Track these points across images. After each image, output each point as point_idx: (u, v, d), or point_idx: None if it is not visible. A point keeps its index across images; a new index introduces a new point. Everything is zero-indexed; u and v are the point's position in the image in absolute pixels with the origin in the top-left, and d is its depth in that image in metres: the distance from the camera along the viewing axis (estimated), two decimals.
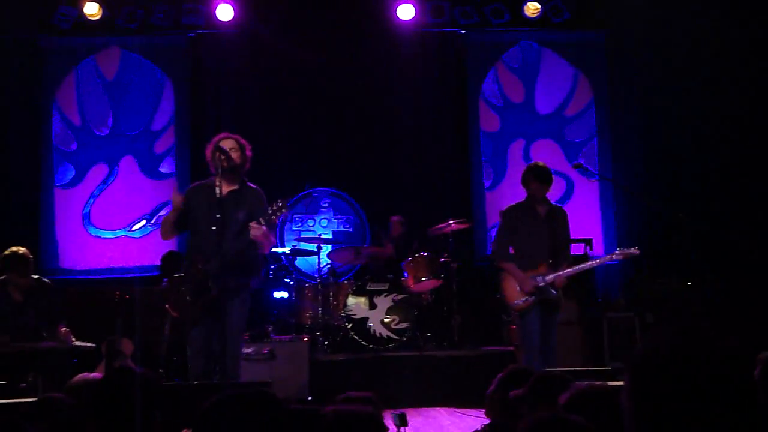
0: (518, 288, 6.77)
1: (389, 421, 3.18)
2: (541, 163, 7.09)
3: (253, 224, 5.65)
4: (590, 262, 7.17)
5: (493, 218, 10.74)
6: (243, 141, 6.10)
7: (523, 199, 7.04)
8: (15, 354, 6.47)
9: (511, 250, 7.01)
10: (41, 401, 3.21)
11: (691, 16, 9.90)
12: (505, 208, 7.27)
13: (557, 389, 3.41)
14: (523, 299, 6.73)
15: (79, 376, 3.72)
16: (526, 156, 11.09)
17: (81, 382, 3.59)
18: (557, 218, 7.03)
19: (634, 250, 6.78)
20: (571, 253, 7.28)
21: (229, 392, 2.17)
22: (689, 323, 1.49)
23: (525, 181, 6.97)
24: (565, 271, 6.77)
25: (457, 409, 7.66)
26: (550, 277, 6.72)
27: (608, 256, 7.15)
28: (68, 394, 3.47)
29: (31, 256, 6.92)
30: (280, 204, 5.66)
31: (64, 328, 6.84)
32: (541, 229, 6.88)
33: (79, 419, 3.03)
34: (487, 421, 3.75)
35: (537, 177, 6.88)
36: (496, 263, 7.07)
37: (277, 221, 5.81)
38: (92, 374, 3.91)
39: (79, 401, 3.27)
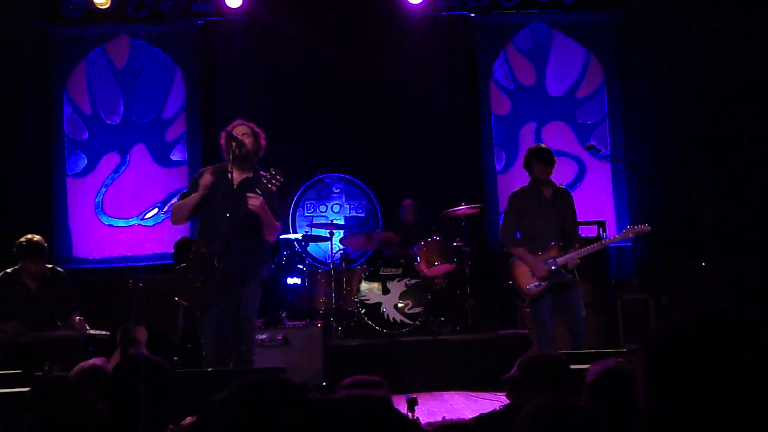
0: (530, 273, 6.73)
1: (401, 406, 3.18)
2: (542, 145, 7.07)
3: (249, 194, 5.61)
4: (602, 242, 7.12)
5: (505, 202, 10.70)
6: (257, 129, 6.08)
7: (527, 183, 7.01)
8: (30, 343, 6.51)
9: (519, 235, 6.97)
10: (45, 381, 3.20)
11: None
12: (511, 192, 7.22)
13: (548, 370, 3.42)
14: (536, 284, 6.68)
15: (85, 362, 3.73)
16: (538, 138, 11.05)
17: (87, 368, 3.61)
18: (563, 199, 6.98)
19: (645, 227, 6.74)
20: (585, 236, 7.24)
21: (246, 381, 2.16)
22: (704, 303, 1.48)
23: (527, 164, 6.95)
24: (576, 252, 6.71)
25: (471, 393, 7.67)
26: (561, 260, 6.67)
27: (619, 235, 7.09)
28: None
29: (45, 244, 6.95)
30: (274, 172, 5.61)
31: (78, 317, 6.88)
32: (548, 211, 6.84)
33: (83, 399, 3.03)
34: (506, 402, 3.74)
35: (539, 158, 6.85)
36: (506, 249, 7.02)
37: (274, 190, 5.72)
38: (95, 360, 3.92)
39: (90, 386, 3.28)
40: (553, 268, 6.66)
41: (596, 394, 2.72)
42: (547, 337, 6.64)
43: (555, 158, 6.95)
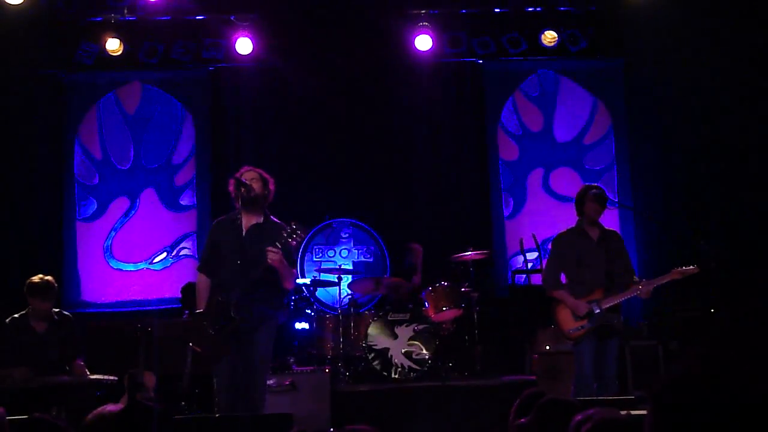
0: (573, 316, 6.62)
1: None
2: (596, 185, 6.93)
3: (269, 248, 5.65)
4: (650, 282, 6.75)
5: (513, 247, 10.73)
6: (266, 175, 6.14)
7: (574, 225, 6.92)
8: (38, 388, 6.49)
9: (564, 279, 6.88)
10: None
11: (709, 43, 9.88)
12: (555, 235, 7.13)
13: (562, 416, 3.39)
14: (578, 327, 6.58)
15: (98, 410, 3.72)
16: (546, 184, 11.09)
17: (99, 415, 3.60)
18: (612, 241, 6.84)
19: (693, 268, 6.57)
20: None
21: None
22: (712, 351, 1.48)
23: (579, 201, 6.82)
24: (620, 295, 6.58)
25: None
26: (605, 303, 6.56)
27: (667, 276, 6.70)
28: (87, 429, 3.47)
29: (56, 285, 6.98)
30: (295, 227, 5.66)
31: (80, 362, 6.87)
32: (594, 254, 6.72)
33: None
34: None
35: (596, 199, 6.72)
36: (548, 292, 6.89)
37: (294, 245, 5.78)
38: (111, 406, 3.91)
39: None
40: (597, 310, 6.56)
41: None
42: (584, 381, 6.53)
43: (606, 198, 6.81)
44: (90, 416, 3.57)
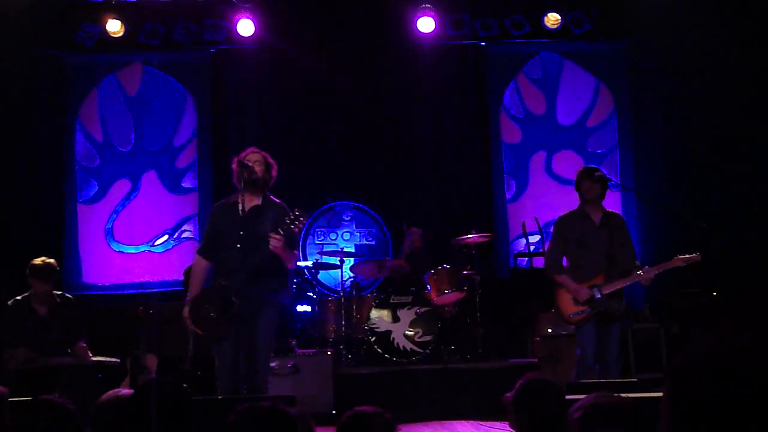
0: (573, 300, 6.59)
1: None
2: (593, 166, 6.93)
3: (272, 234, 5.65)
4: (652, 269, 6.69)
5: (516, 230, 10.72)
6: (270, 159, 6.13)
7: (575, 208, 6.87)
8: (41, 370, 6.51)
9: (565, 262, 6.85)
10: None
11: (712, 24, 9.83)
12: (557, 217, 7.09)
13: (542, 395, 3.42)
14: (579, 311, 6.55)
15: (110, 392, 3.71)
16: (548, 167, 11.07)
17: (112, 399, 3.59)
18: (613, 224, 6.77)
19: (696, 256, 6.52)
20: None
21: (242, 410, 2.19)
22: (731, 332, 1.47)
23: (577, 185, 6.79)
24: (621, 281, 6.54)
25: (481, 422, 7.62)
26: (607, 288, 6.52)
27: (669, 263, 6.65)
28: (99, 412, 3.46)
29: (57, 268, 7.00)
30: (298, 213, 5.65)
31: (82, 344, 6.88)
32: (596, 237, 6.66)
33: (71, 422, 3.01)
34: None
35: (588, 175, 6.70)
36: (549, 276, 6.86)
37: (297, 231, 5.79)
38: (123, 390, 3.90)
39: (110, 418, 3.27)
40: (597, 296, 6.52)
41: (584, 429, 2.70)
42: (586, 364, 6.50)
43: (603, 177, 6.77)
44: (104, 398, 3.56)
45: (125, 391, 3.67)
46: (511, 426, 3.58)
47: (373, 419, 3.06)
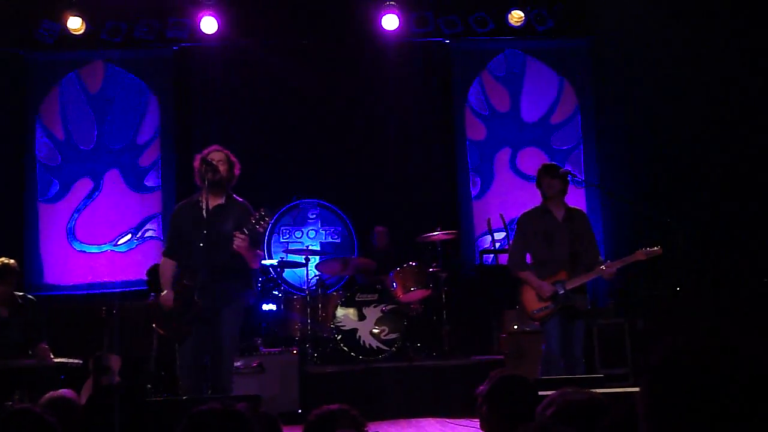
0: (537, 297, 6.58)
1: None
2: (551, 163, 6.98)
3: (237, 234, 5.61)
4: (614, 263, 6.68)
5: (481, 227, 10.74)
6: (233, 158, 6.07)
7: (538, 204, 6.86)
8: (1, 371, 6.41)
9: (529, 259, 6.87)
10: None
11: (674, 21, 9.92)
12: (520, 215, 7.07)
13: (515, 391, 3.43)
14: (542, 308, 6.56)
15: (53, 393, 3.66)
16: (513, 164, 11.11)
17: (56, 399, 3.54)
18: (576, 220, 6.78)
19: (657, 249, 6.54)
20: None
21: (194, 412, 2.17)
22: (710, 326, 1.47)
23: (538, 182, 6.79)
24: (584, 276, 6.54)
25: (448, 420, 7.63)
26: (570, 284, 6.52)
27: (630, 257, 6.65)
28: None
29: (18, 269, 6.90)
30: (263, 212, 5.61)
31: (43, 346, 6.79)
32: (559, 233, 6.66)
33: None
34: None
35: (546, 171, 6.71)
36: (513, 273, 6.84)
37: (261, 231, 5.75)
38: (63, 391, 3.85)
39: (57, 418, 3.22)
40: (561, 291, 6.52)
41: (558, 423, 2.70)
42: (551, 360, 6.50)
43: (561, 172, 6.76)
44: (44, 399, 3.51)
45: (65, 391, 3.63)
46: (481, 421, 3.58)
47: (341, 417, 3.05)
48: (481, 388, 3.56)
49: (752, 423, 1.34)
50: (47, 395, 3.71)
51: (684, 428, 1.38)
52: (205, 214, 5.80)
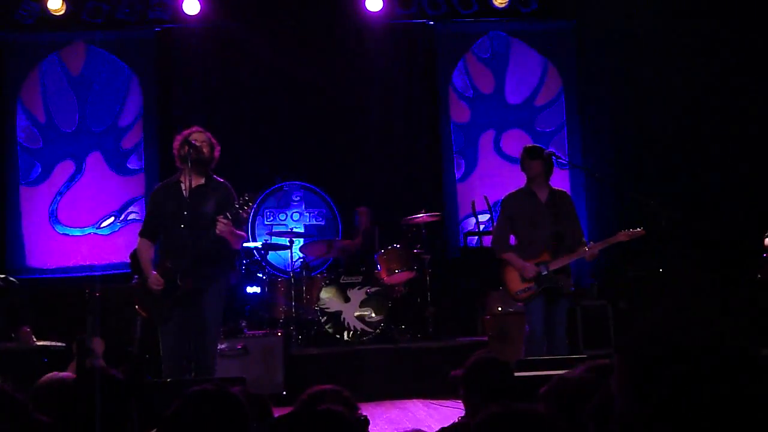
0: (520, 277, 6.59)
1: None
2: (534, 145, 6.96)
3: (219, 218, 5.59)
4: (597, 245, 6.75)
5: (465, 209, 10.74)
6: (214, 141, 6.04)
7: (522, 186, 6.86)
8: None
9: (513, 241, 6.86)
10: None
11: (659, 3, 9.93)
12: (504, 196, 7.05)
13: (491, 372, 3.45)
14: (525, 288, 6.57)
15: (48, 375, 3.64)
16: (497, 146, 11.11)
17: (51, 381, 3.52)
18: (560, 202, 6.79)
19: (639, 231, 6.58)
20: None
21: (189, 393, 2.16)
22: (673, 308, 1.47)
23: (522, 164, 6.79)
24: (567, 257, 6.57)
25: (432, 401, 7.65)
26: (553, 265, 6.54)
27: (612, 238, 6.70)
28: (37, 395, 3.39)
29: None
30: (247, 198, 5.60)
31: (26, 329, 6.76)
32: (542, 215, 6.67)
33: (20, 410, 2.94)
34: (463, 413, 3.75)
35: (528, 153, 6.70)
36: (496, 255, 6.84)
37: (245, 216, 5.74)
38: (62, 373, 3.83)
39: (50, 402, 3.20)
40: (544, 272, 6.54)
41: (548, 403, 2.71)
42: (535, 341, 6.53)
43: (544, 155, 6.74)
44: (40, 382, 3.49)
45: (64, 374, 3.61)
46: (464, 402, 3.61)
47: (333, 396, 3.08)
48: (457, 371, 3.59)
49: (723, 400, 1.36)
50: (46, 377, 3.68)
51: (656, 404, 1.39)
52: (186, 195, 5.77)
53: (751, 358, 1.38)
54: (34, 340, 6.78)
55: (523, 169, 6.81)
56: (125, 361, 7.62)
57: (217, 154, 6.03)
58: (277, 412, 4.07)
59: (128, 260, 9.04)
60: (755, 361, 1.39)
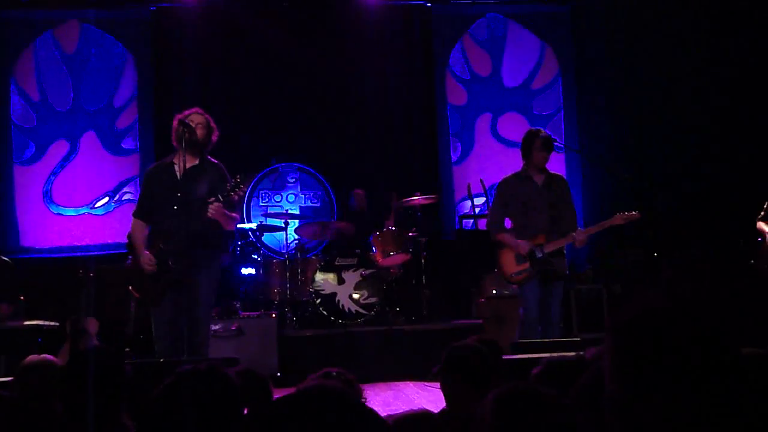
0: (515, 260, 6.59)
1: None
2: (542, 130, 6.84)
3: (211, 201, 5.56)
4: (590, 228, 6.85)
5: (461, 192, 10.73)
6: (213, 123, 6.00)
7: (519, 169, 6.83)
8: None
9: (509, 224, 6.85)
10: None
11: None
12: (501, 179, 7.04)
13: (469, 359, 3.44)
14: (520, 270, 6.57)
15: (32, 357, 3.63)
16: (494, 129, 11.09)
17: (36, 363, 3.51)
18: (556, 185, 6.79)
19: (635, 214, 6.58)
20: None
21: (181, 371, 2.14)
22: (670, 288, 1.47)
23: (526, 146, 6.72)
24: (563, 239, 6.56)
25: (426, 383, 7.64)
26: (548, 248, 6.53)
27: (608, 221, 6.68)
28: (22, 375, 3.39)
29: None
30: (239, 179, 5.56)
31: (3, 306, 6.73)
32: (538, 198, 6.66)
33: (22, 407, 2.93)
34: None
35: (544, 144, 6.63)
36: (492, 237, 6.84)
37: (236, 198, 5.70)
38: (46, 356, 3.82)
39: (38, 382, 3.20)
40: (539, 255, 6.54)
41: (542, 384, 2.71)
42: (529, 324, 6.52)
43: (549, 140, 6.69)
44: (25, 362, 3.48)
45: (50, 357, 3.60)
46: (443, 391, 3.61)
47: (337, 379, 3.12)
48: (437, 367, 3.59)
49: (710, 382, 1.37)
50: (28, 359, 3.67)
51: (646, 385, 1.38)
52: (179, 176, 5.74)
53: (734, 355, 1.39)
54: (7, 319, 6.72)
55: (526, 155, 6.75)
56: (118, 341, 7.62)
57: (214, 137, 5.98)
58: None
59: (123, 240, 9.02)
60: (738, 359, 1.40)
